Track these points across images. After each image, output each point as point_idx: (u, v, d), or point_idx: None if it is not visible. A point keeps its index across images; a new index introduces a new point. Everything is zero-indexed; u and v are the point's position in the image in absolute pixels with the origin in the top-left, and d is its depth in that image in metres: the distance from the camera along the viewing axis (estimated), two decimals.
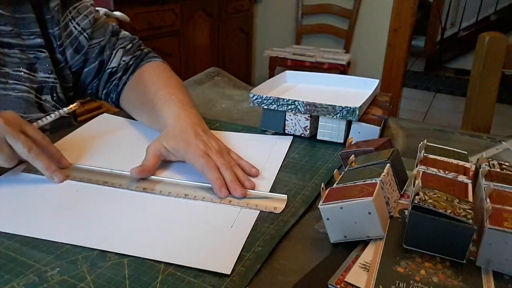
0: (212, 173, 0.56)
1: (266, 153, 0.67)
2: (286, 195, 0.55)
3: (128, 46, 0.83)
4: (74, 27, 0.78)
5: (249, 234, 0.48)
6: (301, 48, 2.98)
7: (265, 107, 0.73)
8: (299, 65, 2.74)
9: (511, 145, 0.72)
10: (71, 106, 0.67)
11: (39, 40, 0.73)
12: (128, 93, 0.80)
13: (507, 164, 0.52)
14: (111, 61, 0.81)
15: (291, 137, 0.72)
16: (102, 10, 1.75)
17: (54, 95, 0.75)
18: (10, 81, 0.70)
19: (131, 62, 0.82)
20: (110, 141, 0.70)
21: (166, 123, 0.66)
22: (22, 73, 0.71)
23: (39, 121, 0.63)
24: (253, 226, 0.49)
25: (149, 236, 0.47)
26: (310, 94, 0.82)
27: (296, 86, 0.87)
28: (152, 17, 2.25)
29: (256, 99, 0.73)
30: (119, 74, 0.81)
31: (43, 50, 0.73)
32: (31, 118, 0.70)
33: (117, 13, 1.88)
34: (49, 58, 0.74)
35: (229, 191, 0.55)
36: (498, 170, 0.50)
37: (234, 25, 3.05)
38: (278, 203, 0.54)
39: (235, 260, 0.43)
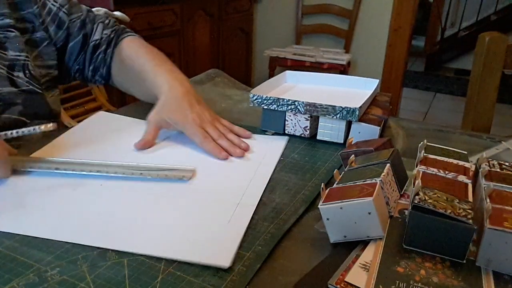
0: (209, 145, 0.66)
1: (261, 153, 0.68)
2: (194, 167, 0.61)
3: (106, 21, 0.87)
4: (52, 4, 0.81)
5: (249, 233, 0.48)
6: (301, 48, 2.98)
7: (265, 107, 0.73)
8: (299, 65, 2.74)
9: (511, 145, 0.72)
10: (48, 125, 0.59)
11: (7, 21, 0.75)
12: (117, 69, 0.85)
13: (507, 164, 0.52)
14: (94, 34, 0.85)
15: (287, 137, 0.73)
16: (102, 10, 1.75)
17: (27, 71, 0.76)
18: None
19: (112, 35, 0.86)
20: (107, 139, 0.71)
21: (160, 91, 0.72)
22: None
23: (8, 133, 0.58)
24: (253, 225, 0.49)
25: (144, 232, 0.48)
26: (310, 94, 0.82)
27: (296, 86, 0.87)
28: (152, 17, 2.25)
29: (256, 99, 0.73)
30: (103, 47, 0.85)
31: (12, 30, 0.75)
32: (2, 91, 0.72)
33: (117, 13, 1.88)
34: (19, 37, 0.76)
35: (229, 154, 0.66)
36: (498, 170, 0.50)
37: (234, 25, 3.05)
38: (186, 172, 0.59)
39: (234, 254, 0.44)
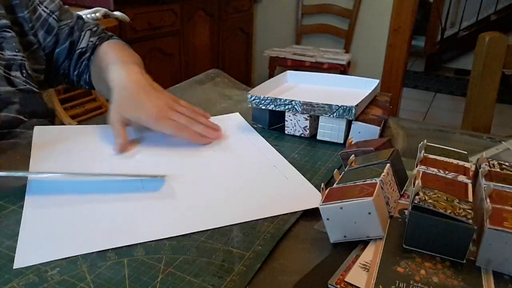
0: (186, 134, 0.66)
1: (231, 129, 0.74)
2: (167, 173, 0.59)
3: (94, 29, 0.88)
4: (43, 10, 0.82)
5: (249, 232, 0.48)
6: (301, 48, 2.98)
7: (263, 107, 0.73)
8: (299, 65, 2.74)
9: (511, 145, 0.72)
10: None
11: (4, 21, 0.76)
12: (93, 73, 0.86)
13: (507, 164, 0.52)
14: (81, 41, 0.86)
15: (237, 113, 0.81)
16: (102, 10, 1.75)
17: (24, 71, 0.77)
18: None
19: (97, 42, 0.86)
20: (71, 152, 0.65)
21: (113, 84, 0.69)
22: None
23: None
24: (253, 225, 0.49)
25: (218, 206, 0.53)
26: (310, 94, 0.82)
27: (297, 86, 0.87)
28: (152, 17, 2.25)
29: (254, 99, 0.73)
30: (87, 54, 0.86)
31: (9, 30, 0.76)
32: (0, 90, 0.72)
33: (117, 13, 1.88)
34: (15, 37, 0.77)
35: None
36: (498, 170, 0.50)
37: (234, 25, 3.05)
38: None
39: (319, 195, 0.47)
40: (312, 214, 0.51)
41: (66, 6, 0.88)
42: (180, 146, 0.67)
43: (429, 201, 0.42)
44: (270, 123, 0.76)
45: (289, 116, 0.72)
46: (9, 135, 0.71)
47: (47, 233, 0.47)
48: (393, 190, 0.50)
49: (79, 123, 0.79)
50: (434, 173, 0.50)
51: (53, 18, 0.82)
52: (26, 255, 0.43)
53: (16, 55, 0.76)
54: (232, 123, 0.78)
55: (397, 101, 3.00)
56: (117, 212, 0.51)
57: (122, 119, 0.66)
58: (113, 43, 0.85)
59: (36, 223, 0.49)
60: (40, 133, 0.69)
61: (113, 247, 0.45)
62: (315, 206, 0.47)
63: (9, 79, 0.74)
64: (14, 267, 0.42)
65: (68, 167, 0.61)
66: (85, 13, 1.64)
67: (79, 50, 0.85)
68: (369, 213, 0.43)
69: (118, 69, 0.71)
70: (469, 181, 0.49)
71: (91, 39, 0.86)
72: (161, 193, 0.55)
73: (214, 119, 0.78)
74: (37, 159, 0.62)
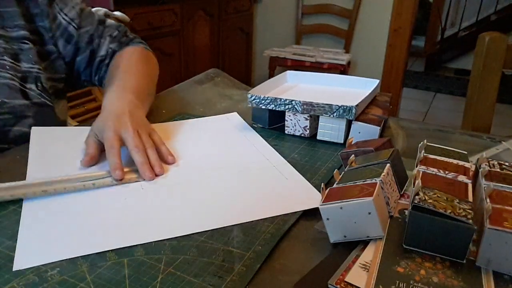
0: (110, 158, 0.58)
1: (229, 130, 0.74)
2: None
3: (115, 34, 0.87)
4: (63, 18, 0.81)
5: (249, 232, 0.48)
6: (301, 48, 2.98)
7: (263, 107, 0.73)
8: (299, 65, 2.74)
9: (511, 145, 0.72)
10: None
11: (22, 32, 0.75)
12: (106, 79, 0.84)
13: (507, 164, 0.52)
14: (100, 49, 0.85)
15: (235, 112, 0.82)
16: (102, 10, 1.75)
17: (39, 84, 0.77)
18: None
19: (116, 49, 0.86)
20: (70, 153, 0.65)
21: (102, 106, 0.68)
22: (6, 61, 0.73)
23: None
24: (253, 225, 0.49)
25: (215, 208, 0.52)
26: (310, 94, 0.82)
27: (297, 86, 0.87)
28: (152, 17, 2.25)
29: (254, 99, 0.73)
30: (106, 61, 0.86)
31: (27, 42, 0.76)
32: (14, 104, 0.72)
33: (117, 13, 1.88)
34: (33, 49, 0.76)
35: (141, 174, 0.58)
36: (498, 170, 0.50)
37: (234, 25, 3.05)
38: (135, 174, 0.58)
39: (318, 195, 0.49)
40: (312, 214, 0.51)
41: (88, 9, 0.86)
42: (179, 147, 0.67)
43: (429, 201, 0.42)
44: (270, 123, 0.76)
45: (289, 116, 0.72)
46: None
47: (47, 234, 0.47)
48: (393, 190, 0.50)
49: (79, 122, 0.78)
50: (434, 173, 0.50)
51: (73, 26, 0.82)
52: (25, 256, 0.43)
53: (32, 67, 0.76)
54: (231, 123, 0.78)
55: (397, 101, 3.00)
56: (117, 212, 0.51)
57: (92, 133, 0.63)
58: (130, 52, 0.85)
59: (35, 224, 0.49)
60: (38, 134, 0.69)
61: (114, 248, 0.45)
62: (315, 206, 0.47)
63: (24, 91, 0.74)
64: (14, 269, 0.42)
65: (65, 168, 0.60)
66: None
67: (99, 58, 0.85)
68: (369, 213, 0.43)
69: (112, 96, 0.69)
70: (469, 181, 0.49)
71: (111, 45, 0.86)
72: (161, 194, 0.55)
73: (212, 119, 0.79)
74: (35, 161, 0.62)
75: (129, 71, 0.78)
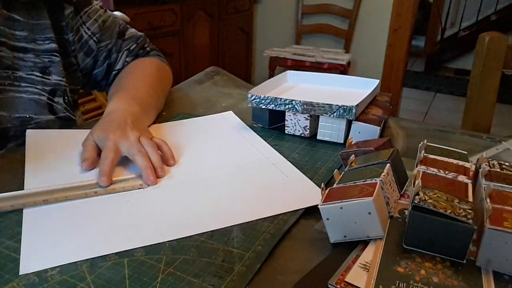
0: (102, 166, 0.57)
1: (227, 130, 0.74)
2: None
3: (133, 47, 0.87)
4: (85, 31, 0.81)
5: (249, 233, 0.48)
6: (301, 48, 2.97)
7: (263, 107, 0.73)
8: (299, 65, 2.73)
9: (511, 145, 0.72)
10: None
11: (53, 45, 0.75)
12: (112, 86, 0.84)
13: (507, 164, 0.52)
14: (117, 63, 0.86)
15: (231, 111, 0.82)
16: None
17: (66, 97, 0.77)
18: (23, 84, 0.72)
19: (130, 61, 0.86)
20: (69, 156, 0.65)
21: (105, 113, 0.68)
22: (35, 76, 0.73)
23: None
24: (253, 225, 0.49)
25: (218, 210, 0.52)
26: (310, 94, 0.82)
27: (297, 86, 0.87)
28: (152, 17, 2.25)
29: (254, 99, 0.73)
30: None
31: (57, 54, 0.76)
32: (41, 120, 0.72)
33: (117, 13, 1.88)
34: (61, 62, 0.76)
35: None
36: (498, 170, 0.50)
37: (234, 25, 3.05)
38: (139, 180, 0.57)
39: (319, 192, 0.48)
40: (312, 214, 0.51)
41: (109, 20, 0.85)
42: (177, 147, 0.67)
43: (429, 201, 0.42)
44: (270, 123, 0.76)
45: (289, 115, 0.72)
46: None
47: (50, 237, 0.47)
48: (393, 190, 0.50)
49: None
50: (434, 173, 0.50)
51: (94, 40, 0.82)
52: (30, 261, 0.43)
53: (61, 81, 0.76)
54: (227, 122, 0.78)
55: (397, 101, 3.00)
56: (117, 214, 0.51)
57: (90, 137, 0.63)
58: (145, 63, 0.85)
59: (38, 227, 0.48)
60: (33, 137, 0.69)
61: (116, 251, 0.45)
62: (317, 203, 0.47)
63: (52, 106, 0.74)
64: (20, 273, 0.41)
65: (63, 173, 0.60)
66: None
67: (115, 72, 0.86)
68: (369, 213, 0.43)
69: (118, 105, 0.69)
70: (469, 181, 0.49)
71: (127, 59, 0.86)
72: (161, 195, 0.55)
73: (207, 118, 0.79)
74: (32, 165, 0.61)
75: (139, 81, 0.79)
